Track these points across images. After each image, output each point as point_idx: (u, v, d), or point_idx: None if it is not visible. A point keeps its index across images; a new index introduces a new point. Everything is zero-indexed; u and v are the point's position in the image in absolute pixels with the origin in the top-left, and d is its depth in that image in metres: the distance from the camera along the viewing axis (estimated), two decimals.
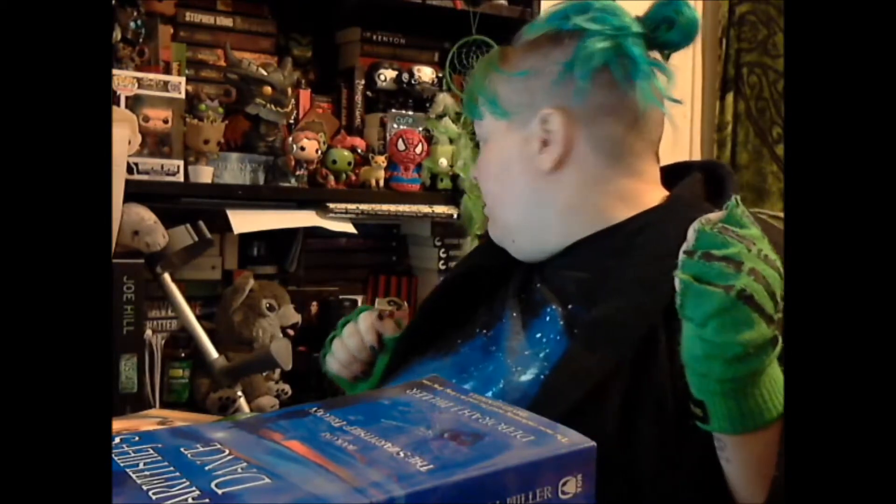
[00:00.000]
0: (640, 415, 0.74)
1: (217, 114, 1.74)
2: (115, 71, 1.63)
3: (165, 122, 1.67)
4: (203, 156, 1.72)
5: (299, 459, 0.57)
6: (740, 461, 0.70)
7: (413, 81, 2.00)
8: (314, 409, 0.67)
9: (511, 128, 0.93)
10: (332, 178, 1.87)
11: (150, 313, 1.76)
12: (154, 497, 0.52)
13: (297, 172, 1.81)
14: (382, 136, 1.98)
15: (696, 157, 2.59)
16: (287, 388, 1.80)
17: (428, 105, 2.03)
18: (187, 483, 0.53)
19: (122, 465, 0.56)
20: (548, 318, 0.85)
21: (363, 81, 2.00)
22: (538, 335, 0.85)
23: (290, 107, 1.84)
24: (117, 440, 0.60)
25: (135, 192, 1.56)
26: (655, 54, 0.90)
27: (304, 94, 1.96)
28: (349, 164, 1.89)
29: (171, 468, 0.56)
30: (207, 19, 1.87)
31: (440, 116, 2.01)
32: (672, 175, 0.94)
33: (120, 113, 1.56)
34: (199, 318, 1.70)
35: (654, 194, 0.91)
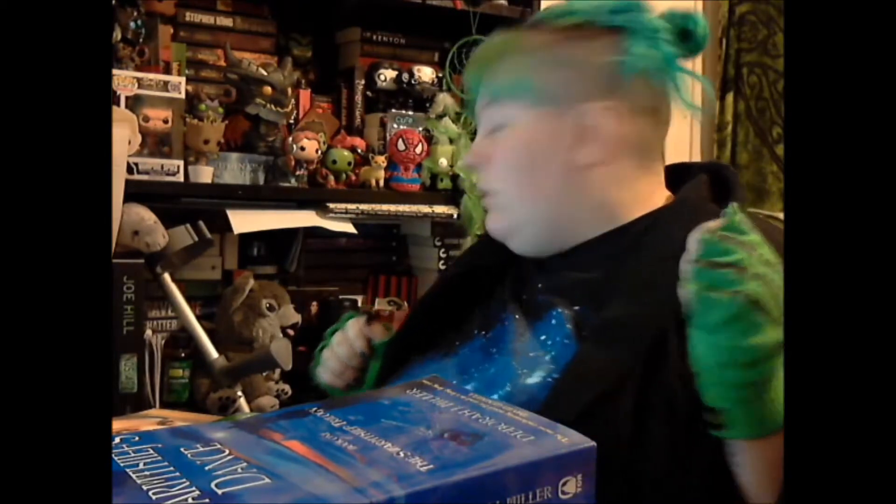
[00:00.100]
0: (651, 417, 0.74)
1: (217, 114, 1.74)
2: (115, 71, 1.63)
3: (165, 122, 1.67)
4: (203, 156, 1.72)
5: (299, 459, 0.57)
6: (755, 465, 0.71)
7: (413, 81, 2.00)
8: (314, 409, 0.67)
9: (543, 116, 0.89)
10: (332, 178, 1.87)
11: (150, 313, 1.76)
12: (154, 497, 0.52)
13: (297, 172, 1.81)
14: (382, 136, 1.98)
15: (696, 156, 2.59)
16: (287, 388, 1.80)
17: (428, 105, 2.03)
18: (187, 483, 0.53)
19: (122, 465, 0.56)
20: (553, 321, 0.84)
21: (363, 81, 2.00)
22: (543, 337, 0.84)
23: (290, 107, 1.84)
24: (117, 440, 0.60)
25: (135, 192, 1.56)
26: None
27: (304, 94, 1.96)
28: (349, 164, 1.89)
29: (171, 468, 0.56)
30: (207, 19, 1.87)
31: (440, 116, 2.01)
32: (673, 175, 0.94)
33: (120, 113, 1.56)
34: (199, 318, 1.70)
35: (661, 194, 0.92)
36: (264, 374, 1.76)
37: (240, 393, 1.67)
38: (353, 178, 1.92)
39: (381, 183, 1.94)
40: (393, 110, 2.00)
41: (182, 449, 0.59)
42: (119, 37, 1.70)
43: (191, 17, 1.84)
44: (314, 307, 1.97)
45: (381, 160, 1.92)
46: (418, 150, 1.96)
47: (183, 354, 1.71)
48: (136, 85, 1.65)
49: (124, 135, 1.51)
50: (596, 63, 0.88)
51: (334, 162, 1.88)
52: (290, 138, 1.81)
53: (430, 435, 0.60)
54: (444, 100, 2.01)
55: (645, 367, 0.75)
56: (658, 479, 0.73)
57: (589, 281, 0.86)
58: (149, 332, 1.63)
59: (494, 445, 0.59)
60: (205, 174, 1.71)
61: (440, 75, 2.04)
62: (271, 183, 1.81)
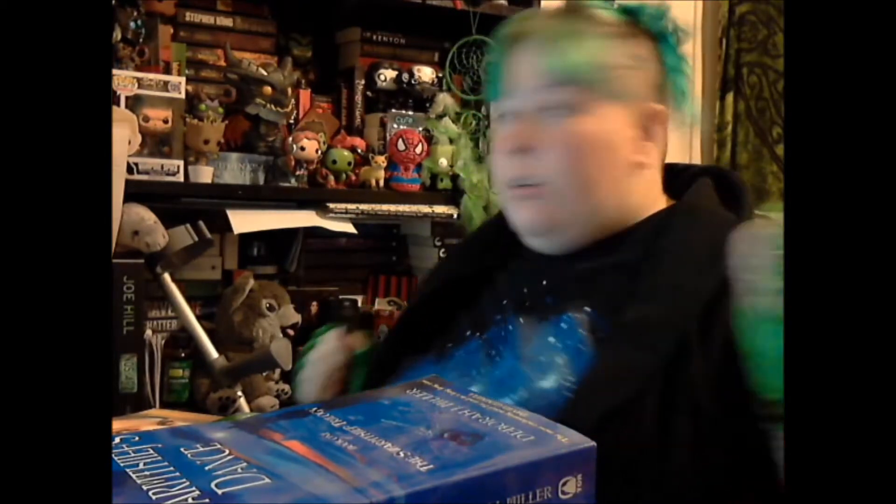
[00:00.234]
0: (675, 418, 0.74)
1: (217, 114, 1.74)
2: (115, 71, 1.63)
3: (165, 122, 1.67)
4: (203, 156, 1.72)
5: (299, 459, 0.57)
6: None
7: (413, 81, 2.00)
8: (314, 409, 0.67)
9: (613, 109, 0.87)
10: (332, 178, 1.87)
11: (150, 313, 1.75)
12: (154, 497, 0.52)
13: (297, 172, 1.81)
14: (382, 136, 1.98)
15: (696, 156, 2.59)
16: (287, 388, 1.80)
17: (428, 105, 2.03)
18: (187, 483, 0.53)
19: (122, 465, 0.56)
20: (563, 325, 0.83)
21: (363, 81, 2.00)
22: (551, 339, 0.83)
23: (290, 107, 1.84)
24: (117, 440, 0.60)
25: (135, 192, 1.56)
26: None
27: (304, 94, 1.96)
28: (349, 164, 1.89)
29: (171, 468, 0.56)
30: (207, 19, 1.87)
31: (440, 116, 2.01)
32: (668, 176, 0.94)
33: (120, 113, 1.56)
34: (199, 318, 1.70)
35: (661, 197, 0.93)
36: (264, 374, 1.76)
37: (240, 393, 1.67)
38: (353, 178, 1.92)
39: (381, 183, 1.94)
40: (393, 110, 2.01)
41: (182, 449, 0.59)
42: (119, 37, 1.70)
43: (191, 17, 1.84)
44: (314, 307, 1.97)
45: (381, 160, 1.92)
46: (418, 150, 1.96)
47: (183, 354, 1.71)
48: (136, 85, 1.65)
49: (124, 135, 1.51)
50: (651, 65, 0.90)
51: (334, 162, 1.88)
52: (290, 138, 1.81)
53: (430, 435, 0.60)
54: (444, 100, 2.01)
55: (668, 369, 0.75)
56: (682, 481, 0.73)
57: (603, 283, 0.85)
58: (149, 332, 1.63)
59: (494, 445, 0.59)
60: (205, 174, 1.71)
61: (440, 75, 2.04)
62: (271, 183, 1.81)
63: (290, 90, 1.83)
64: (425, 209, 1.96)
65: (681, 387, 0.74)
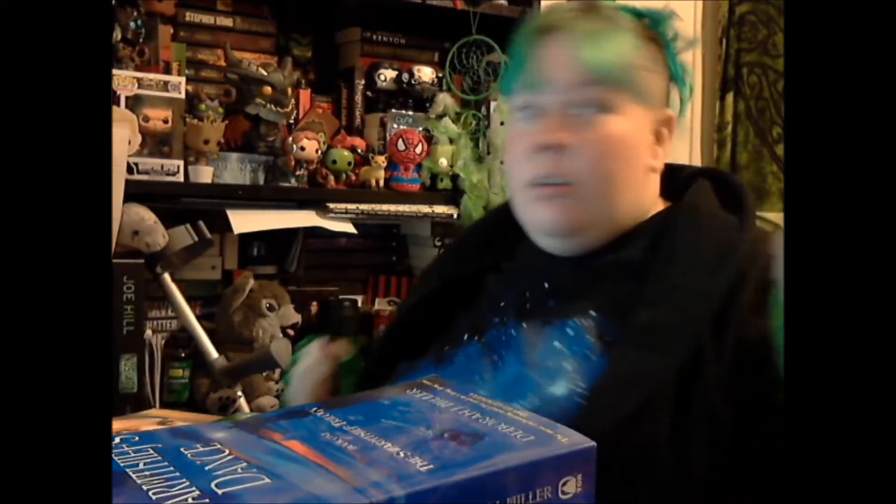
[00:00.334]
0: (691, 421, 0.74)
1: (217, 114, 1.74)
2: (115, 71, 1.63)
3: (165, 122, 1.67)
4: (203, 156, 1.72)
5: (299, 459, 0.57)
6: None
7: (413, 81, 2.00)
8: (314, 409, 0.67)
9: (641, 112, 0.86)
10: (332, 178, 1.87)
11: (150, 313, 1.75)
12: (154, 497, 0.52)
13: (297, 172, 1.81)
14: (382, 136, 1.98)
15: (696, 156, 2.59)
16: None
17: (428, 105, 2.03)
18: (187, 483, 0.53)
19: (122, 465, 0.56)
20: (570, 331, 0.82)
21: (363, 81, 2.00)
22: (557, 344, 0.81)
23: (290, 107, 1.84)
24: (117, 440, 0.60)
25: (135, 192, 1.56)
26: None
27: (304, 94, 1.96)
28: (349, 164, 1.89)
29: (171, 468, 0.56)
30: (207, 19, 1.86)
31: (440, 116, 2.01)
32: (662, 177, 0.94)
33: (120, 113, 1.56)
34: (199, 318, 1.70)
35: (657, 199, 0.93)
36: (264, 374, 1.76)
37: (240, 393, 1.67)
38: (353, 178, 1.92)
39: (381, 183, 1.94)
40: (393, 110, 2.00)
41: (182, 449, 0.59)
42: (119, 37, 1.70)
43: (191, 17, 1.84)
44: (314, 307, 1.97)
45: (381, 160, 1.92)
46: (418, 150, 1.95)
47: (183, 354, 1.71)
48: (136, 85, 1.64)
49: (124, 135, 1.51)
50: (664, 72, 0.90)
51: (334, 162, 1.88)
52: (290, 138, 1.80)
53: (430, 435, 0.60)
54: (444, 100, 2.01)
55: (681, 373, 0.74)
56: (689, 482, 0.73)
57: (608, 285, 0.84)
58: (149, 332, 1.63)
59: (494, 445, 0.59)
60: (205, 174, 1.71)
61: (440, 75, 2.04)
62: (271, 183, 1.81)
63: (290, 90, 1.83)
64: (425, 209, 1.96)
65: (695, 390, 0.74)
